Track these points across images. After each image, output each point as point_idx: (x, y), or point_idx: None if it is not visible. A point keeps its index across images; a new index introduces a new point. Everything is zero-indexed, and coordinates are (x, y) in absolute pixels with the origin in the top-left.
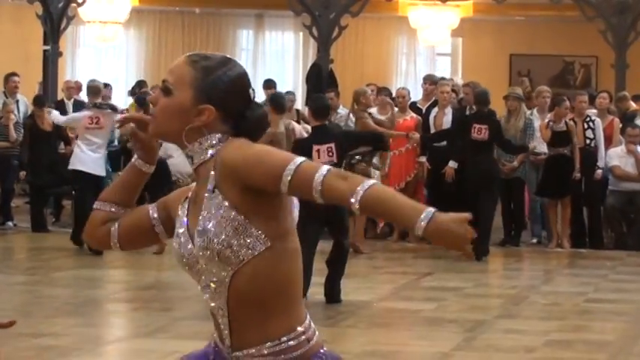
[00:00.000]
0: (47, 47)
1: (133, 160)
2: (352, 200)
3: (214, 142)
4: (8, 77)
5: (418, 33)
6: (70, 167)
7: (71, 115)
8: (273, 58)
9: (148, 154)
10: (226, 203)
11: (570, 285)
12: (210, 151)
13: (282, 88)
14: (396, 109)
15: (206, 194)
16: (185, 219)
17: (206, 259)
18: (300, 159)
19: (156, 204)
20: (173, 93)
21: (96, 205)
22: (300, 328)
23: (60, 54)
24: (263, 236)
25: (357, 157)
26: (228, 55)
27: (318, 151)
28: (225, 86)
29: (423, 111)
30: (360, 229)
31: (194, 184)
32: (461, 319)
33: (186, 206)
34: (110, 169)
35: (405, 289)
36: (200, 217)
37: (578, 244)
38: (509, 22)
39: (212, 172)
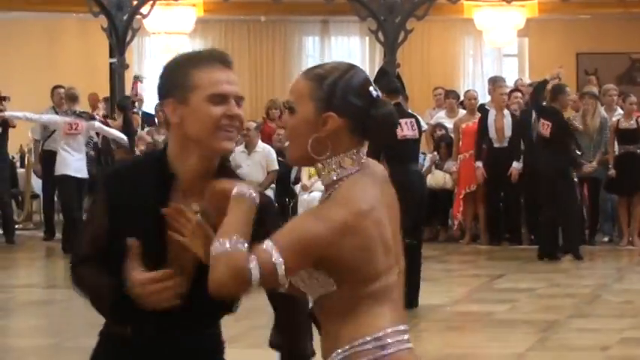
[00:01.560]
0: (113, 60)
1: (249, 196)
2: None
3: (334, 166)
4: (54, 89)
5: (484, 34)
6: (57, 173)
7: (49, 116)
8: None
9: None
10: None
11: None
12: (332, 175)
13: None
14: (464, 111)
15: None
16: None
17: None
18: None
19: None
20: (296, 110)
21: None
22: (368, 337)
23: (126, 66)
24: (331, 280)
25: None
26: (344, 61)
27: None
28: (342, 89)
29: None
30: None
31: None
32: (534, 320)
33: None
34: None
35: (477, 292)
36: None
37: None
38: (575, 21)
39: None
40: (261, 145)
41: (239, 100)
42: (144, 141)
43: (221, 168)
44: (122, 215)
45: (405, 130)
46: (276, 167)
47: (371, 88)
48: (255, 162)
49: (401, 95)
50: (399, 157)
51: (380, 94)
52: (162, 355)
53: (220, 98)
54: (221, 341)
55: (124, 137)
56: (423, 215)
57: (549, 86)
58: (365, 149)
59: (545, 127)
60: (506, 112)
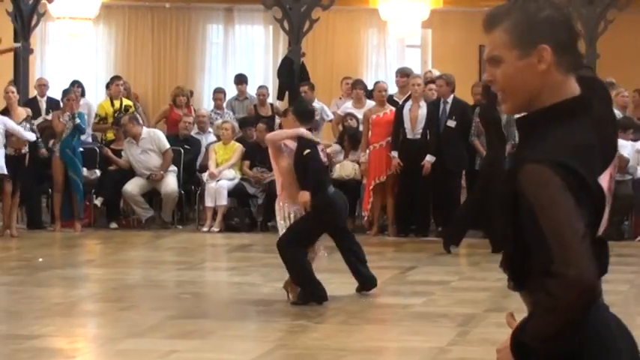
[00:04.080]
0: (18, 44)
1: None
2: None
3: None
4: None
5: (388, 25)
6: None
7: None
8: (244, 52)
9: None
10: None
11: None
12: None
13: (253, 82)
14: (372, 102)
15: None
16: None
17: None
18: None
19: None
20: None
21: None
22: None
23: (31, 51)
24: None
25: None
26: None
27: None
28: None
29: (400, 104)
30: None
31: None
32: (451, 314)
33: None
34: (83, 167)
35: (391, 284)
36: None
37: None
38: (478, 13)
39: None
40: (146, 131)
41: None
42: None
43: None
44: None
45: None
46: (168, 146)
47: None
48: (146, 149)
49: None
50: None
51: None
52: None
53: None
54: None
55: (31, 137)
56: None
57: None
58: None
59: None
60: (422, 103)
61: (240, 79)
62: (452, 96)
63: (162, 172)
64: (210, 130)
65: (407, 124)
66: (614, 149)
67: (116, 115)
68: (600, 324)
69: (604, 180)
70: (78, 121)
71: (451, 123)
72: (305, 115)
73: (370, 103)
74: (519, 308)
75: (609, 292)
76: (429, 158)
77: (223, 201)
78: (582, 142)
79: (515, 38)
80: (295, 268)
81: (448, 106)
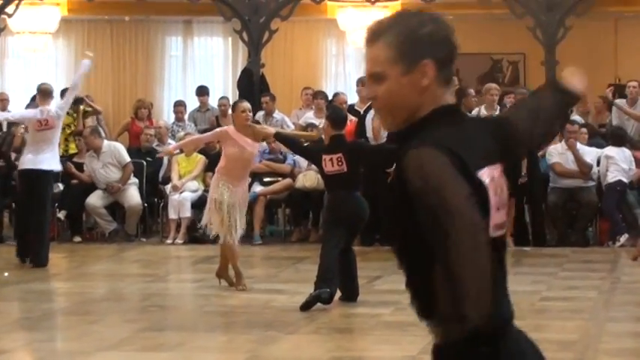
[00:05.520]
0: None
1: None
2: None
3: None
4: None
5: (347, 35)
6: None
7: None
8: (203, 63)
9: None
10: None
11: (522, 284)
12: None
13: (213, 93)
14: None
15: None
16: None
17: None
18: None
19: None
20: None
21: None
22: None
23: None
24: None
25: None
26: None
27: (326, 160)
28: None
29: (361, 113)
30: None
31: None
32: (420, 322)
33: None
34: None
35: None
36: None
37: (521, 243)
38: None
39: None
40: (107, 144)
41: None
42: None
43: None
44: None
45: (329, 166)
46: (128, 159)
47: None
48: (106, 162)
49: (345, 125)
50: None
51: None
52: None
53: None
54: None
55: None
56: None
57: None
58: None
59: None
60: None
61: (202, 91)
62: None
63: (119, 185)
64: (170, 142)
65: (369, 134)
66: (503, 154)
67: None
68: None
69: (486, 175)
70: None
71: None
72: (338, 121)
73: None
74: None
75: (578, 299)
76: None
77: (187, 213)
78: (460, 137)
79: (398, 54)
80: (322, 263)
81: None
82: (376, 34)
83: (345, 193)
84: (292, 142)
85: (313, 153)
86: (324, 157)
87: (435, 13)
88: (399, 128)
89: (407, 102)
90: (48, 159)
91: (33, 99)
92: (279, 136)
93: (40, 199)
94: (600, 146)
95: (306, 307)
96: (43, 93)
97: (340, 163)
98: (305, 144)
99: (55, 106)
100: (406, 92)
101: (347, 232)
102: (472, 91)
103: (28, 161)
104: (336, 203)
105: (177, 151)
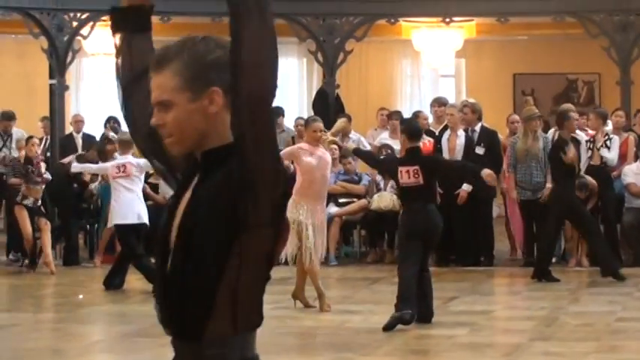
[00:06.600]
0: (53, 81)
1: None
2: None
3: None
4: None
5: (422, 55)
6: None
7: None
8: (278, 84)
9: None
10: None
11: (598, 304)
12: None
13: (288, 114)
14: None
15: None
16: None
17: None
18: None
19: None
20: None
21: None
22: None
23: (66, 87)
24: None
25: None
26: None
27: (402, 172)
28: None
29: (436, 134)
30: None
31: None
32: (496, 344)
33: None
34: None
35: (434, 315)
36: None
37: (597, 263)
38: (512, 42)
39: None
40: None
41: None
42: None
43: None
44: None
45: (406, 178)
46: None
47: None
48: None
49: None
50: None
51: None
52: None
53: None
54: None
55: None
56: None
57: None
58: None
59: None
60: (460, 132)
61: (278, 112)
62: (479, 124)
63: None
64: None
65: (445, 154)
66: None
67: None
68: None
69: None
70: None
71: (479, 150)
72: (414, 133)
73: None
74: (565, 336)
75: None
76: (466, 187)
77: None
78: None
79: (186, 81)
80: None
81: (476, 135)
82: (163, 61)
83: (421, 206)
84: (368, 155)
85: (389, 164)
86: (400, 168)
87: (223, 38)
88: (187, 153)
89: (196, 129)
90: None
91: (108, 120)
92: (357, 151)
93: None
94: None
95: (388, 328)
96: (123, 143)
97: (417, 176)
98: (382, 157)
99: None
100: (195, 119)
101: (423, 246)
102: (574, 115)
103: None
104: (411, 216)
105: None
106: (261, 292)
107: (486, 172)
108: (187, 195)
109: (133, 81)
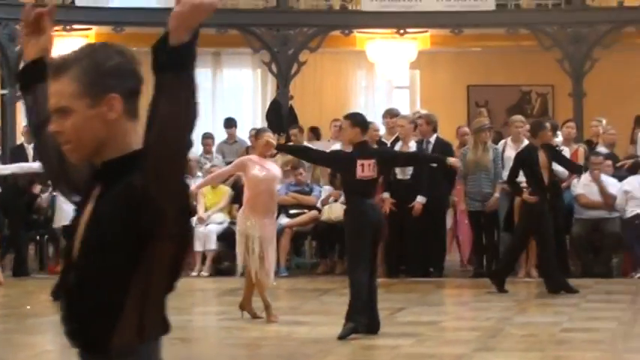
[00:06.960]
0: (5, 91)
1: None
2: None
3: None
4: None
5: (376, 67)
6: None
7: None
8: (232, 95)
9: None
10: None
11: (544, 315)
12: None
13: (241, 125)
14: None
15: None
16: None
17: None
18: None
19: None
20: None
21: None
22: None
23: (18, 98)
24: None
25: None
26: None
27: (359, 165)
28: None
29: (388, 145)
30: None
31: None
32: (440, 354)
33: None
34: None
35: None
36: None
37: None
38: (466, 54)
39: None
40: None
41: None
42: None
43: None
44: None
45: (366, 171)
46: None
47: None
48: None
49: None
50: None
51: None
52: None
53: None
54: None
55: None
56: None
57: None
58: None
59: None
60: (412, 143)
61: (230, 123)
62: (434, 135)
63: None
64: (199, 174)
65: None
66: None
67: None
68: None
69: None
70: None
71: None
72: (365, 123)
73: None
74: (509, 347)
75: (598, 330)
76: (420, 199)
77: (212, 245)
78: None
79: (84, 87)
80: (353, 292)
81: (430, 146)
82: (62, 67)
83: (369, 200)
84: (306, 150)
85: (345, 157)
86: (359, 161)
87: (121, 45)
88: (86, 160)
89: (94, 135)
90: None
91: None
92: (283, 147)
93: None
94: (624, 178)
95: (342, 337)
96: None
97: (372, 170)
98: (329, 150)
99: None
100: (93, 126)
101: (372, 245)
102: (548, 125)
103: None
104: (362, 210)
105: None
106: (166, 302)
107: (452, 159)
108: (89, 207)
109: (42, 126)
